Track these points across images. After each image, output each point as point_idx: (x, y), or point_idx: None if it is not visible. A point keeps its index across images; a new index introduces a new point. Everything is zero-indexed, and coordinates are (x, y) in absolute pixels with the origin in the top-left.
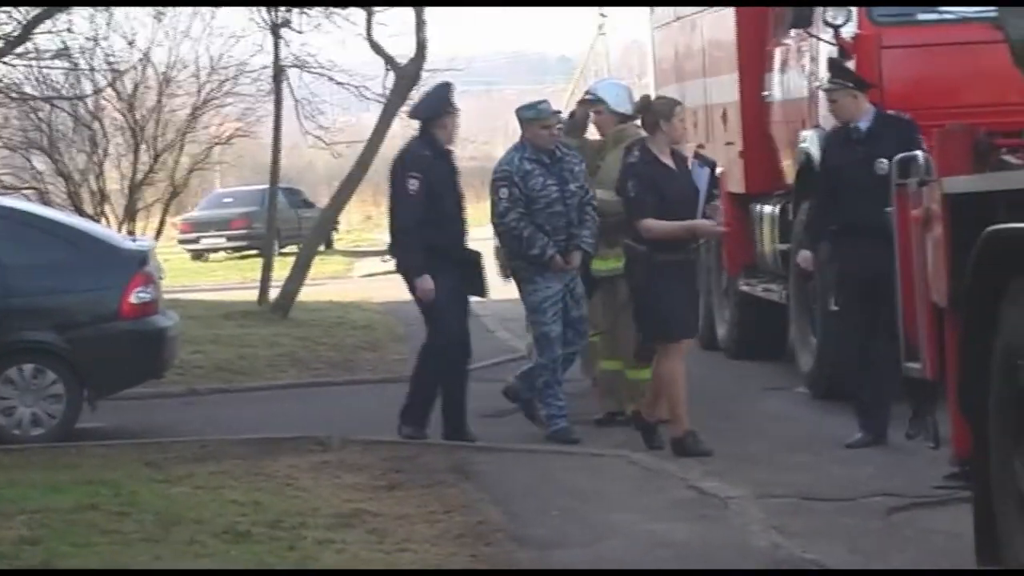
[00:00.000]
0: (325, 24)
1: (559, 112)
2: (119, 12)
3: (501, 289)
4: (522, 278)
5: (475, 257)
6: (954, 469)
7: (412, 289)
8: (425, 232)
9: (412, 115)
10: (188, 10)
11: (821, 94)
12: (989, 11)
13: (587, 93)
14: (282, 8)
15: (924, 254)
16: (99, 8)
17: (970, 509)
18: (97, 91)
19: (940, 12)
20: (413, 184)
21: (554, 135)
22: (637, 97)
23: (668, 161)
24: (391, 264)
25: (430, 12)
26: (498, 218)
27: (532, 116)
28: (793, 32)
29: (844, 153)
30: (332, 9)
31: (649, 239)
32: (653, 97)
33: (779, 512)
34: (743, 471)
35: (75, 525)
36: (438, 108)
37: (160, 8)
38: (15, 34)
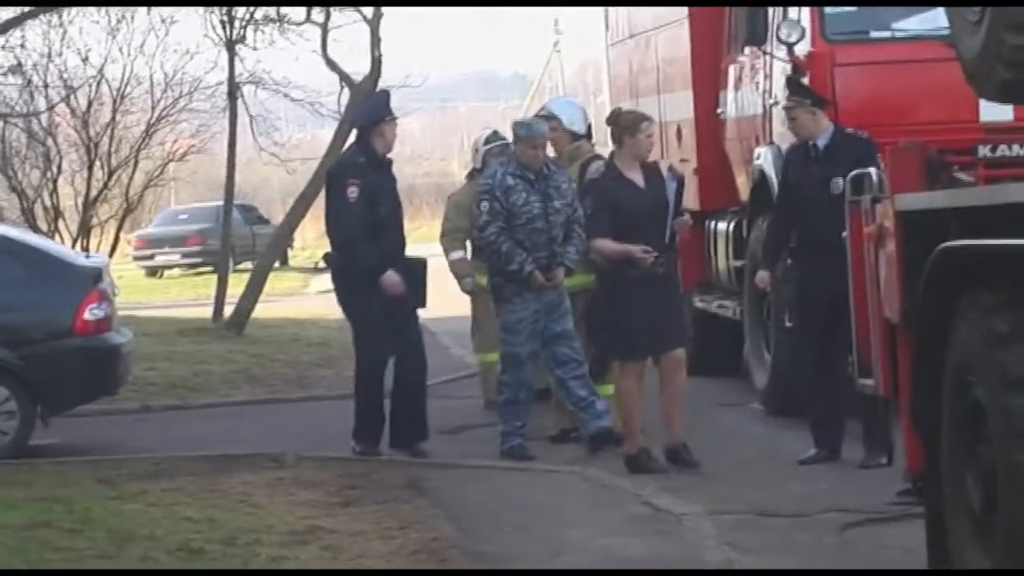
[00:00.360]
0: (279, 41)
1: (542, 136)
2: (73, 28)
3: (457, 305)
4: (500, 296)
5: (419, 266)
6: (907, 485)
7: (348, 300)
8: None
9: (351, 123)
10: (143, 26)
11: (775, 111)
12: (942, 29)
13: (542, 110)
14: (236, 25)
15: (877, 271)
16: (53, 24)
17: (923, 525)
18: (51, 107)
19: (893, 30)
20: (352, 191)
21: (540, 156)
22: (597, 114)
23: (635, 176)
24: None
25: (385, 28)
26: (478, 231)
27: (523, 134)
28: (747, 50)
29: (802, 171)
30: (287, 25)
31: (601, 258)
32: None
33: (733, 528)
34: (697, 487)
35: (28, 542)
36: (376, 115)
37: (114, 24)
38: None
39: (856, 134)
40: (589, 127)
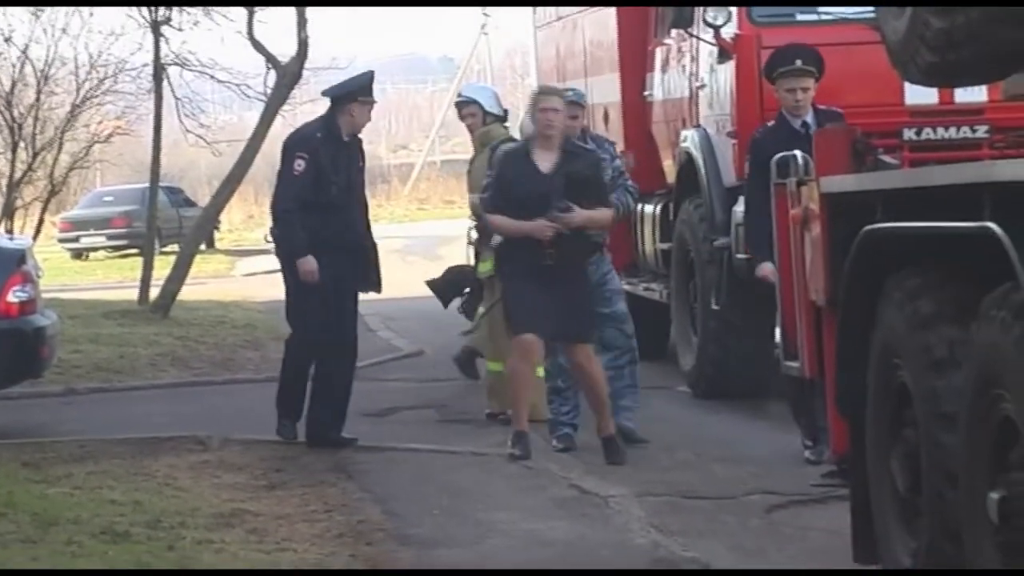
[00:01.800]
0: (205, 22)
1: (575, 101)
2: None
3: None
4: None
5: (369, 248)
6: (832, 467)
7: (286, 273)
8: (307, 218)
9: (324, 92)
10: (67, 7)
11: (701, 94)
12: (867, 12)
13: (458, 96)
14: (161, 6)
15: (802, 253)
16: None
17: (848, 507)
18: None
19: (819, 13)
20: (299, 164)
21: (571, 124)
22: (526, 96)
23: (543, 158)
24: (273, 259)
25: (311, 10)
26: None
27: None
28: (674, 32)
29: (788, 149)
30: (215, 11)
31: (497, 232)
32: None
33: (659, 511)
34: (623, 470)
35: None
36: (348, 92)
37: (39, 8)
38: None
39: (832, 110)
40: (506, 112)
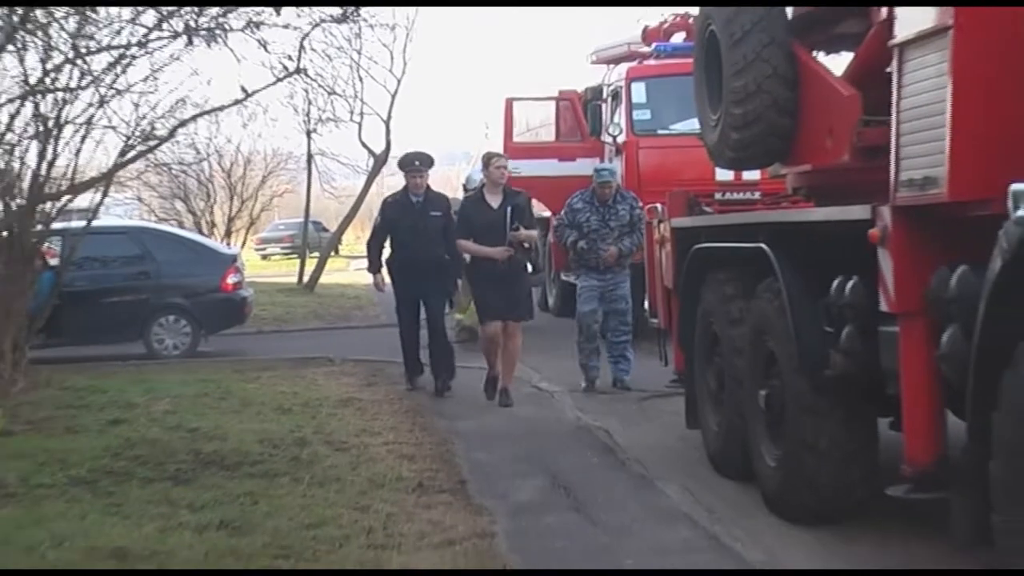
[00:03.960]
0: (335, 131)
1: (609, 181)
2: (224, 123)
3: None
4: (576, 274)
5: (446, 267)
6: (675, 376)
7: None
8: (395, 251)
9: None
10: (262, 119)
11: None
12: (697, 129)
13: (466, 180)
14: (311, 122)
15: (662, 259)
16: (212, 121)
17: (683, 400)
18: (199, 160)
19: (670, 129)
20: (378, 217)
21: (605, 192)
22: None
23: (492, 198)
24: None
25: (393, 125)
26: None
27: (594, 177)
28: (592, 138)
29: None
30: (339, 123)
31: (466, 253)
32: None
33: (581, 400)
34: (561, 377)
35: (196, 404)
36: (400, 165)
37: (246, 120)
38: (165, 134)
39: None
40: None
